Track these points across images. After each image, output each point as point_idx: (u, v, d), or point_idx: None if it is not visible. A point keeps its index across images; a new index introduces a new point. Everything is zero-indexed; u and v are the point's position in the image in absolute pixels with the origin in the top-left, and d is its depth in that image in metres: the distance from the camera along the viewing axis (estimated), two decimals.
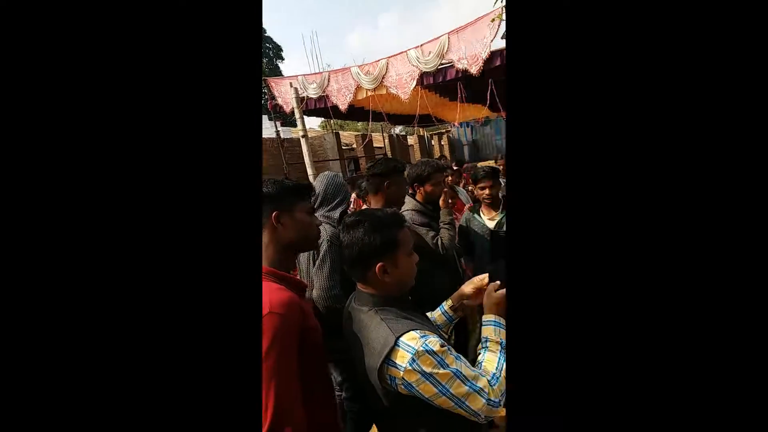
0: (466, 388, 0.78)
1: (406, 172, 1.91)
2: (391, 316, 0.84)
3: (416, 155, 12.94)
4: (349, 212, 1.53)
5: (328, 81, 6.06)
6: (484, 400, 0.78)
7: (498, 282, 0.96)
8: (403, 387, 0.79)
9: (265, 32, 27.97)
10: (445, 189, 1.90)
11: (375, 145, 11.15)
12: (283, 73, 27.52)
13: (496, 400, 0.80)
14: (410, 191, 1.98)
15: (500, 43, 4.62)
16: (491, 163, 4.98)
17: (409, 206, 1.91)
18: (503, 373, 0.84)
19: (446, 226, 1.82)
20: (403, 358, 0.77)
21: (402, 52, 5.47)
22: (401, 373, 0.78)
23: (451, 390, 0.77)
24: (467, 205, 2.70)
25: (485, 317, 0.93)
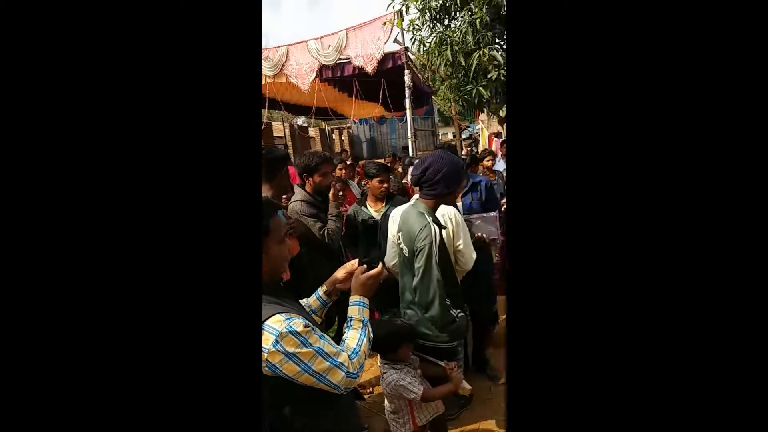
0: (328, 363, 0.86)
1: (295, 162, 1.98)
2: (272, 305, 0.87)
3: (317, 148, 12.85)
4: None
5: None
6: (343, 373, 0.87)
7: (365, 266, 1.07)
8: (267, 368, 0.83)
9: None
10: (334, 182, 2.04)
11: (275, 134, 10.75)
12: None
13: (355, 372, 0.90)
14: (299, 182, 2.06)
15: (393, 47, 4.94)
16: (382, 161, 5.29)
17: (298, 197, 2.00)
18: (363, 347, 0.95)
19: (333, 218, 1.95)
20: (267, 341, 0.82)
21: (302, 42, 5.43)
22: (265, 355, 0.82)
23: (313, 367, 0.84)
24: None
25: (351, 298, 1.04)
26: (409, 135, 5.17)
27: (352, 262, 1.14)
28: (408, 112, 5.13)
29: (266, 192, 1.61)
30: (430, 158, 1.49)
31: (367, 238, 2.27)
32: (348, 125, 13.56)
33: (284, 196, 2.00)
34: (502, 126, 6.08)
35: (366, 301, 1.04)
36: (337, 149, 12.79)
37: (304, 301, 1.14)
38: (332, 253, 1.99)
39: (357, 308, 1.03)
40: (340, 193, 2.06)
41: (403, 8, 4.36)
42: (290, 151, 10.29)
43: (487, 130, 9.04)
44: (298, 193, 2.01)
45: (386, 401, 1.55)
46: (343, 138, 14.34)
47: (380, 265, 1.09)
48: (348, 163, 4.32)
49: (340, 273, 1.14)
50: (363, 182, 3.47)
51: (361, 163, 5.78)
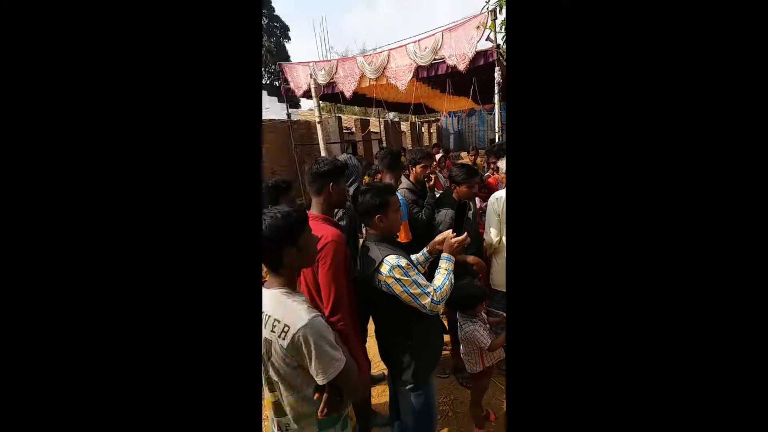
0: (420, 290, 1.32)
1: (404, 157, 2.48)
2: (382, 247, 1.40)
3: (408, 140, 13.47)
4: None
5: (336, 69, 6.51)
6: (429, 299, 1.32)
7: (454, 233, 1.54)
8: (384, 286, 1.33)
9: (274, 11, 27.79)
10: (431, 175, 2.49)
11: (372, 129, 11.62)
12: (289, 52, 27.55)
13: (437, 300, 1.33)
14: (406, 172, 2.56)
15: (485, 44, 5.15)
16: (465, 156, 5.52)
17: (404, 185, 2.49)
18: (445, 286, 1.38)
19: (428, 205, 2.41)
20: (384, 268, 1.32)
21: (401, 46, 5.95)
22: (383, 277, 1.32)
23: (410, 290, 1.31)
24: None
25: (442, 254, 1.50)
26: (496, 129, 5.36)
27: (446, 232, 1.59)
28: (497, 106, 5.31)
29: (319, 207, 1.57)
30: None
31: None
32: (437, 118, 13.88)
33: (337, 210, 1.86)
34: None
35: (452, 257, 1.50)
36: (426, 141, 13.23)
37: (413, 257, 1.63)
38: (425, 228, 2.46)
39: (445, 261, 1.48)
40: (431, 183, 2.50)
41: (497, 8, 4.54)
42: (383, 142, 11.05)
43: None
44: (404, 182, 2.51)
45: (461, 345, 1.98)
46: (432, 131, 14.70)
47: (465, 234, 1.53)
48: (438, 156, 4.69)
49: (438, 238, 1.61)
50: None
51: (464, 157, 5.95)
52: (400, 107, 8.77)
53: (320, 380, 1.03)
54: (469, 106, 9.42)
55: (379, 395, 2.30)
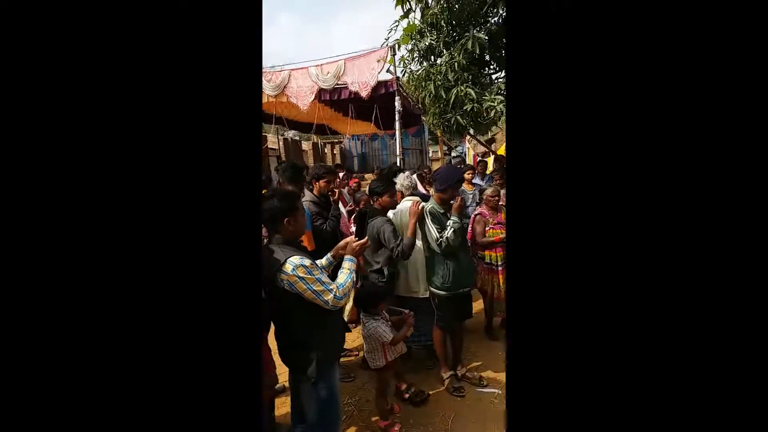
0: (323, 287, 1.43)
1: (312, 170, 2.61)
2: (286, 249, 1.48)
3: (310, 160, 13.51)
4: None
5: None
6: (332, 295, 1.45)
7: (356, 238, 1.74)
8: (287, 285, 1.42)
9: None
10: (336, 190, 2.65)
11: (270, 146, 11.35)
12: None
13: (340, 296, 1.47)
14: (310, 186, 2.67)
15: (386, 75, 5.67)
16: (369, 177, 5.92)
17: (307, 198, 2.60)
18: (347, 283, 1.52)
19: (333, 217, 2.56)
20: (288, 268, 1.41)
21: (304, 68, 6.11)
22: (286, 276, 1.41)
23: (313, 287, 1.42)
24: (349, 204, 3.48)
25: (345, 256, 1.67)
26: (398, 152, 5.86)
27: (348, 239, 1.75)
28: (397, 133, 5.83)
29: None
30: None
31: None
32: (340, 140, 14.30)
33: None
34: (487, 147, 6.84)
35: (353, 258, 1.67)
36: (329, 161, 13.50)
37: (318, 262, 1.74)
38: (329, 237, 2.59)
39: (348, 261, 1.65)
40: (337, 199, 2.67)
41: (396, 45, 5.09)
42: (284, 160, 10.89)
43: (473, 150, 9.86)
44: (308, 195, 2.62)
45: (365, 343, 2.13)
46: (335, 152, 15.03)
47: (366, 238, 1.72)
48: (342, 174, 4.93)
49: (341, 244, 1.75)
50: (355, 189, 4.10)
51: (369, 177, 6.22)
52: (302, 126, 8.85)
53: None
54: (372, 131, 9.99)
55: (279, 407, 2.29)
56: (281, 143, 11.82)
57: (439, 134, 9.24)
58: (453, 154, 13.37)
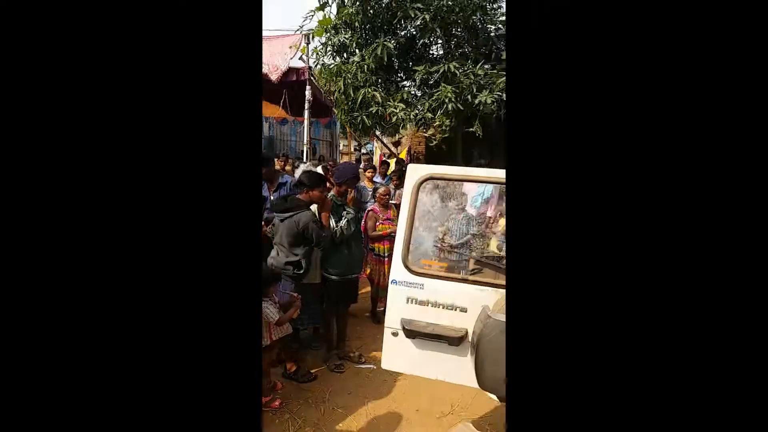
0: None
1: None
2: None
3: None
4: None
5: None
6: None
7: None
8: None
9: None
10: None
11: None
12: None
13: None
14: None
15: (298, 63, 5.64)
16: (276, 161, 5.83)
17: None
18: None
19: None
20: None
21: None
22: None
23: None
24: None
25: None
26: (305, 141, 5.88)
27: None
28: (305, 123, 5.85)
29: None
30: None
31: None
32: None
33: None
34: (396, 147, 7.23)
35: None
36: None
37: None
38: None
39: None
40: None
41: (310, 35, 5.11)
42: None
43: (380, 150, 10.29)
44: None
45: None
46: None
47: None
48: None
49: None
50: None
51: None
52: None
53: None
54: (281, 116, 9.71)
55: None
56: None
57: (348, 129, 9.45)
58: (363, 150, 13.76)
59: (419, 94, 4.40)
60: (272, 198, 2.95)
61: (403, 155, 5.88)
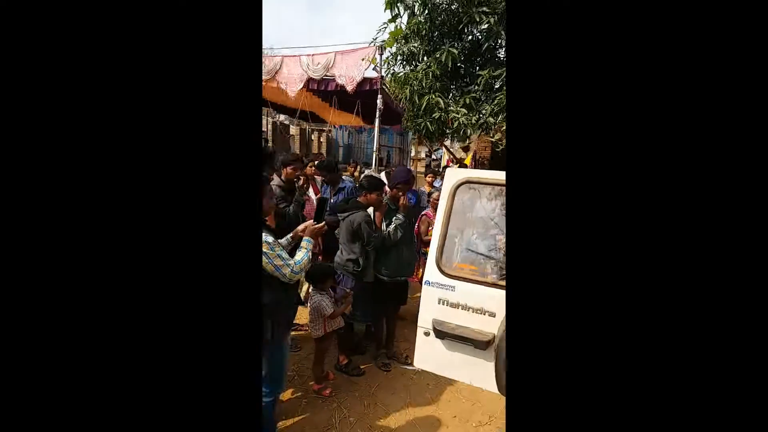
0: (283, 262, 1.66)
1: (281, 157, 2.86)
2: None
3: (296, 145, 13.64)
4: None
5: None
6: (289, 269, 1.67)
7: (314, 222, 2.02)
8: None
9: None
10: (301, 176, 2.91)
11: None
12: None
13: (297, 270, 1.69)
14: (279, 172, 2.94)
15: (372, 73, 5.92)
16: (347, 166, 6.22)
17: (275, 182, 2.86)
18: (304, 260, 1.74)
19: (297, 201, 2.83)
20: None
21: (296, 56, 6.30)
22: None
23: (274, 261, 1.64)
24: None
25: (304, 237, 1.91)
26: (375, 148, 6.14)
27: (307, 222, 2.02)
28: (376, 130, 6.10)
29: None
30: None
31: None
32: (328, 129, 14.47)
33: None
34: (465, 152, 7.17)
35: (311, 240, 1.94)
36: (315, 149, 13.67)
37: (280, 241, 2.01)
38: (293, 219, 2.86)
39: (306, 242, 1.89)
40: (304, 186, 2.94)
41: (383, 46, 5.35)
42: (270, 144, 11.02)
43: (447, 155, 10.25)
44: (276, 180, 2.88)
45: (309, 314, 2.43)
46: (321, 140, 15.18)
47: (323, 223, 2.00)
48: (315, 162, 5.21)
49: (300, 227, 2.02)
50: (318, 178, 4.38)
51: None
52: (286, 111, 9.06)
53: None
54: (357, 123, 10.24)
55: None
56: (270, 126, 11.92)
57: (416, 136, 9.56)
58: (433, 156, 13.78)
59: (483, 99, 4.32)
60: (332, 200, 3.18)
61: (468, 161, 5.79)
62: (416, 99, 4.50)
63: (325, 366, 2.57)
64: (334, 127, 13.04)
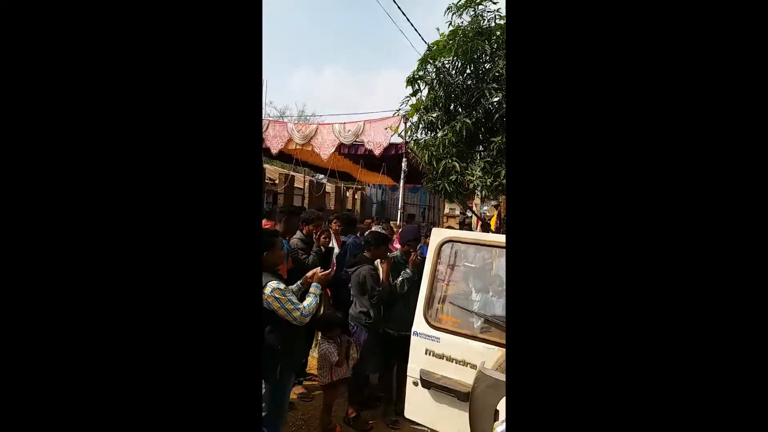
0: (293, 306, 1.92)
1: (303, 215, 3.21)
2: (267, 275, 1.96)
3: (331, 202, 14.44)
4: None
5: (267, 127, 7.32)
6: (299, 312, 1.93)
7: (321, 269, 2.26)
8: (266, 304, 1.92)
9: None
10: (320, 232, 3.22)
11: (296, 185, 12.34)
12: None
13: (306, 314, 1.93)
14: (301, 227, 3.28)
15: (397, 139, 6.44)
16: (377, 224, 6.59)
17: (297, 236, 3.19)
18: (312, 304, 2.00)
19: (314, 253, 3.11)
20: (267, 290, 1.90)
21: (329, 124, 7.04)
22: (265, 296, 1.90)
23: (285, 306, 1.91)
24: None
25: (312, 283, 2.19)
26: (399, 207, 6.48)
27: (315, 270, 2.27)
28: (400, 190, 6.49)
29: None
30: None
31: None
32: (362, 187, 15.26)
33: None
34: (476, 215, 7.36)
35: (319, 285, 2.16)
36: (349, 206, 14.37)
37: (290, 287, 2.26)
38: (307, 268, 3.11)
39: (314, 287, 2.12)
40: (324, 238, 3.24)
41: (406, 116, 5.89)
42: (306, 201, 11.78)
43: (473, 214, 10.43)
44: (298, 234, 3.21)
45: (317, 362, 2.57)
46: (356, 197, 15.94)
47: (330, 269, 2.24)
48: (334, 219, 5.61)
49: (309, 274, 2.27)
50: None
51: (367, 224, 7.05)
52: (318, 169, 9.88)
53: None
54: (392, 183, 10.91)
55: None
56: (307, 184, 12.83)
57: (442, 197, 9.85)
58: (467, 213, 14.03)
59: (498, 162, 4.60)
60: (337, 251, 3.47)
61: (493, 220, 5.92)
62: (434, 163, 4.86)
63: (333, 418, 2.64)
64: (369, 185, 13.78)
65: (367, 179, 10.97)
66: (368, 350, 2.66)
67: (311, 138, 7.10)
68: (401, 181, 6.48)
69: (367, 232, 3.22)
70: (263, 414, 2.04)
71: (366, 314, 2.70)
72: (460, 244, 1.76)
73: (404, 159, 6.36)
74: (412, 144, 6.03)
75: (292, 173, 10.50)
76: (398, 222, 6.33)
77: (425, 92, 5.24)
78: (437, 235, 1.81)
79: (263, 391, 2.06)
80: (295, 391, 3.15)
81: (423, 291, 1.77)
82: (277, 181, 12.29)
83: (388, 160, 6.79)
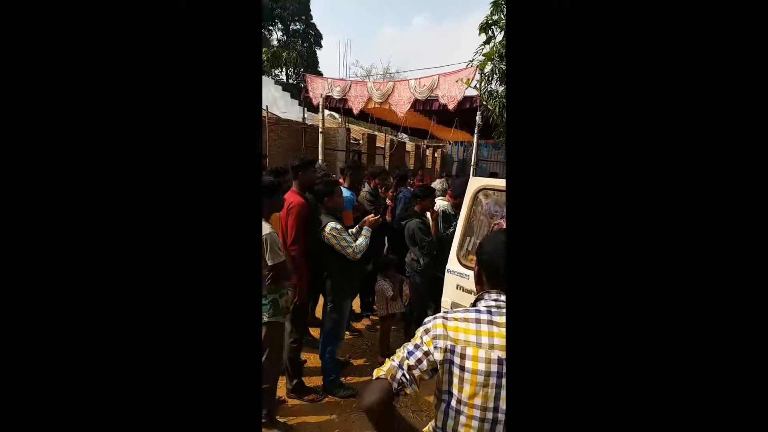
0: (347, 243, 2.28)
1: (369, 169, 3.52)
2: (328, 217, 2.33)
3: (411, 160, 14.63)
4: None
5: (349, 88, 7.69)
6: (352, 249, 2.29)
7: (374, 215, 2.57)
8: (326, 240, 2.32)
9: (311, 18, 29.85)
10: (389, 186, 3.51)
11: (378, 144, 12.77)
12: (319, 59, 29.60)
13: (358, 251, 2.30)
14: (367, 181, 3.60)
15: (471, 91, 6.24)
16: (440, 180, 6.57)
17: (365, 189, 3.53)
18: (362, 244, 2.33)
19: (380, 205, 3.43)
20: (327, 228, 2.28)
21: (405, 80, 7.08)
22: (326, 233, 2.28)
23: (341, 243, 2.28)
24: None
25: (365, 227, 2.52)
26: (473, 162, 6.41)
27: (369, 216, 2.59)
28: (474, 144, 6.37)
29: (296, 187, 2.63)
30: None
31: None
32: (442, 145, 15.05)
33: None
34: None
35: (370, 229, 2.48)
36: (429, 164, 14.41)
37: (349, 230, 2.63)
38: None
39: (365, 230, 2.48)
40: (390, 192, 3.53)
41: (479, 66, 5.65)
42: (387, 158, 12.18)
43: None
44: (366, 187, 3.54)
45: (375, 297, 2.96)
46: (436, 155, 15.83)
47: (379, 216, 2.54)
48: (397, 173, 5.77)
49: (363, 220, 2.60)
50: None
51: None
52: (390, 125, 10.07)
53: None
54: (470, 139, 10.61)
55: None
56: (388, 143, 13.16)
57: None
58: None
59: None
60: (390, 204, 3.73)
61: None
62: (504, 114, 4.69)
63: (391, 344, 3.04)
64: (449, 142, 13.55)
65: (440, 134, 10.82)
66: (419, 292, 2.95)
67: (389, 96, 7.25)
68: (475, 136, 6.36)
69: (417, 187, 3.41)
70: (323, 333, 2.50)
71: (417, 261, 2.96)
72: (493, 191, 1.87)
73: (478, 112, 6.18)
74: (485, 96, 5.82)
75: (375, 132, 10.87)
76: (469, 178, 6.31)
77: (499, 38, 4.95)
78: (473, 183, 1.93)
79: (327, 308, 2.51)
80: (364, 323, 3.66)
81: (457, 233, 1.95)
82: (361, 141, 12.86)
83: (463, 114, 6.66)
